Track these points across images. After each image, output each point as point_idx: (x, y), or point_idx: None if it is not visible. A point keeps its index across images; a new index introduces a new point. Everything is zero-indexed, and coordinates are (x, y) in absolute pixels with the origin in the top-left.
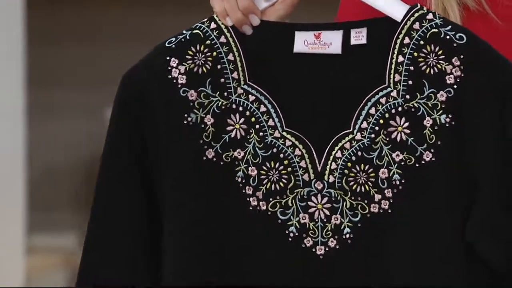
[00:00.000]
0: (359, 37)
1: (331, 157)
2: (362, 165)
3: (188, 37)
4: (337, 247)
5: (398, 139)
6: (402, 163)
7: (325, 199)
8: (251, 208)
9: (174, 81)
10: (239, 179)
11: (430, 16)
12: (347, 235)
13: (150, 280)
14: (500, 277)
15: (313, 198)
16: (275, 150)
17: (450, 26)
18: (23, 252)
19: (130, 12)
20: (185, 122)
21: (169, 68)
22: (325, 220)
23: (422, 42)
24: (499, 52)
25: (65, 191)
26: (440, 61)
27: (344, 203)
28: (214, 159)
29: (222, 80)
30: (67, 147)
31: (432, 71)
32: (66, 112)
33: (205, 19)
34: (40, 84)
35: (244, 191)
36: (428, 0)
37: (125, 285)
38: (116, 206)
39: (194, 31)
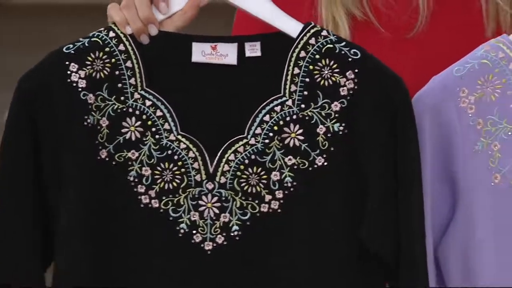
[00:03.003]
0: (253, 49)
1: (224, 160)
2: (255, 168)
3: (87, 44)
4: (225, 243)
5: (291, 144)
6: (295, 167)
7: (215, 198)
8: (142, 206)
9: (74, 84)
10: (132, 178)
11: (324, 33)
12: (235, 233)
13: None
14: (393, 271)
15: (203, 197)
16: (170, 152)
17: (344, 43)
18: None
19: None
20: (85, 123)
21: (69, 72)
22: (214, 218)
23: (317, 56)
24: (390, 68)
25: None
26: (334, 74)
27: (234, 203)
28: (107, 159)
29: (120, 85)
30: None
31: (326, 83)
32: None
33: (102, 28)
34: None
35: (135, 190)
36: (318, 10)
37: (21, 285)
38: (8, 203)
39: (93, 39)
